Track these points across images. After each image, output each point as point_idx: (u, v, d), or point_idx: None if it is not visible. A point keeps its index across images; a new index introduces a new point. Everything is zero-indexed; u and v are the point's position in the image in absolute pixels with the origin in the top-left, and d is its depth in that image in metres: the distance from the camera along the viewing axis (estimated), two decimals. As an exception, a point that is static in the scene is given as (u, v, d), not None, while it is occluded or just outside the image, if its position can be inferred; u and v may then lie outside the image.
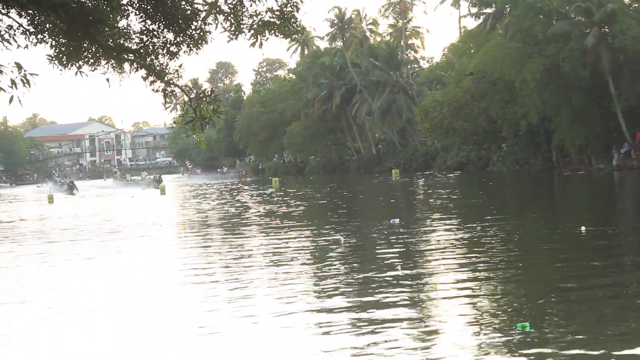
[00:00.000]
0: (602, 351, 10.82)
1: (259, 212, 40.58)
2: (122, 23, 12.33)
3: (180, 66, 12.59)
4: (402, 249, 22.04)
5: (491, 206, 36.85)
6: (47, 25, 11.61)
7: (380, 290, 15.99)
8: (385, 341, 11.91)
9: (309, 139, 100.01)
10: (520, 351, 11.02)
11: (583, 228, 23.23)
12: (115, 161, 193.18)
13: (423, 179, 66.35)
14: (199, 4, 12.32)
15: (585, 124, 57.20)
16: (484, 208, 35.83)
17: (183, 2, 12.23)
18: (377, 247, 23.10)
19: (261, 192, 64.29)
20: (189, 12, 12.21)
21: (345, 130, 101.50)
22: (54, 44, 11.82)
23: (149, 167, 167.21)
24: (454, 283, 16.38)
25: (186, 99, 12.39)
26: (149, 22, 12.30)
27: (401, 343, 11.82)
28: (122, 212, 49.67)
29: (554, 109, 58.26)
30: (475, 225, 26.77)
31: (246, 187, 75.64)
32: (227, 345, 12.47)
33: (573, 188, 47.07)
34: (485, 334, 12.00)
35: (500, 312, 13.52)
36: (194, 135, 12.26)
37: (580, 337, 11.55)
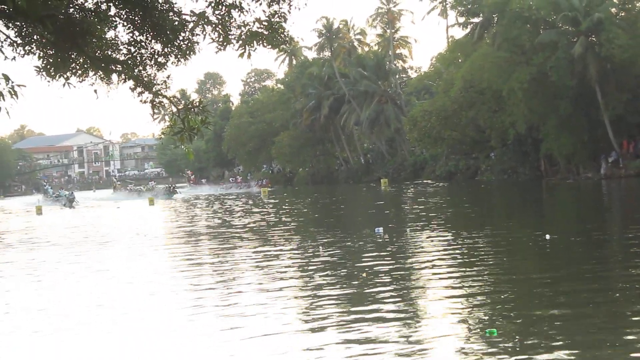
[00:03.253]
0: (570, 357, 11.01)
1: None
2: (110, 34, 12.37)
3: (168, 77, 12.63)
4: (381, 258, 22.16)
5: (474, 215, 37.20)
6: (35, 37, 11.63)
7: (356, 298, 16.22)
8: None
9: (298, 149, 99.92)
10: (486, 356, 11.25)
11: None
12: (103, 172, 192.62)
13: (412, 188, 66.47)
14: (187, 14, 12.33)
15: (573, 132, 57.42)
16: (467, 218, 36.15)
17: (171, 13, 12.24)
18: (358, 257, 23.12)
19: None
20: (176, 23, 12.22)
21: (333, 140, 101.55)
22: (41, 55, 11.83)
23: (138, 177, 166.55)
24: (428, 289, 16.83)
25: (174, 109, 12.40)
26: (136, 33, 12.31)
27: (364, 345, 12.11)
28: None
29: (541, 118, 58.49)
30: (455, 234, 26.88)
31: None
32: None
33: (558, 197, 47.23)
34: (454, 340, 12.21)
35: (472, 319, 13.71)
36: (183, 146, 12.26)
37: (545, 342, 11.80)
